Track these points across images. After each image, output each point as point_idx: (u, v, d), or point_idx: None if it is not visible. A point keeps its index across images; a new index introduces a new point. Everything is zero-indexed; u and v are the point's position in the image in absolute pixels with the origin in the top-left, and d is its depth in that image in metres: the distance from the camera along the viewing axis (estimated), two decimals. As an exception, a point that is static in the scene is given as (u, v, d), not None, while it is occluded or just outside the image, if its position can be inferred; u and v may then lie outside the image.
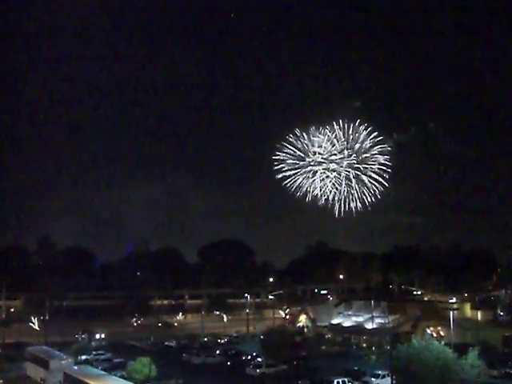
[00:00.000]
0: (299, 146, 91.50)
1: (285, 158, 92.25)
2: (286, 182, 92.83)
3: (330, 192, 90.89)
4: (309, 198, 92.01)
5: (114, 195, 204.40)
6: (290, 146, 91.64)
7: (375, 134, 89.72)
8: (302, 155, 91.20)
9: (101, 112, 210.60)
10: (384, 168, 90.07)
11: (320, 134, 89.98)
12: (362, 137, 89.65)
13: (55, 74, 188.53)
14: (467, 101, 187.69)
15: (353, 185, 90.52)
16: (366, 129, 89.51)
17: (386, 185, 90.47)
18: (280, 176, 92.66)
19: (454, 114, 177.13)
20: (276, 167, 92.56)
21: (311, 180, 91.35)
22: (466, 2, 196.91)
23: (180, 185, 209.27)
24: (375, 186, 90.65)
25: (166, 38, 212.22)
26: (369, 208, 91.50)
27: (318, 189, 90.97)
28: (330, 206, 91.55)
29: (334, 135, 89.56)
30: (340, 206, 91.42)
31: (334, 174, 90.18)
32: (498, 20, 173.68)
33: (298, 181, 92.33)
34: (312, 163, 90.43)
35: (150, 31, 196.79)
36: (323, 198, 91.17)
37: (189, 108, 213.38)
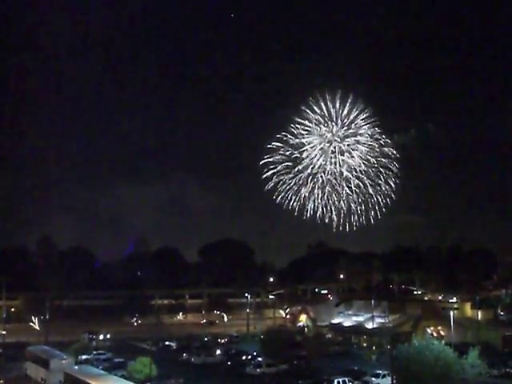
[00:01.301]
0: (296, 146, 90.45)
1: (280, 160, 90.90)
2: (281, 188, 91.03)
3: (329, 198, 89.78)
4: (307, 207, 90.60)
5: (114, 195, 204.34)
6: (287, 148, 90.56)
7: (376, 135, 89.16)
8: (299, 156, 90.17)
9: (101, 111, 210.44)
10: (386, 171, 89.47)
11: (320, 135, 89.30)
12: (363, 139, 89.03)
13: (56, 71, 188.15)
14: (468, 102, 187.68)
15: (352, 186, 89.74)
16: (367, 130, 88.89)
17: (387, 187, 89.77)
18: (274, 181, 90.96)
19: (455, 115, 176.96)
20: (270, 171, 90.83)
21: (308, 186, 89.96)
22: (466, 3, 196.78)
23: (180, 184, 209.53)
24: (377, 188, 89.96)
25: (164, 37, 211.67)
26: (371, 213, 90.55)
27: (317, 195, 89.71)
28: (329, 215, 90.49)
29: (333, 137, 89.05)
30: (340, 214, 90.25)
31: (334, 177, 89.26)
32: (500, 21, 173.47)
33: (294, 188, 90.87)
34: (311, 167, 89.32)
35: (149, 27, 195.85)
36: (322, 204, 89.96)
37: (189, 106, 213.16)
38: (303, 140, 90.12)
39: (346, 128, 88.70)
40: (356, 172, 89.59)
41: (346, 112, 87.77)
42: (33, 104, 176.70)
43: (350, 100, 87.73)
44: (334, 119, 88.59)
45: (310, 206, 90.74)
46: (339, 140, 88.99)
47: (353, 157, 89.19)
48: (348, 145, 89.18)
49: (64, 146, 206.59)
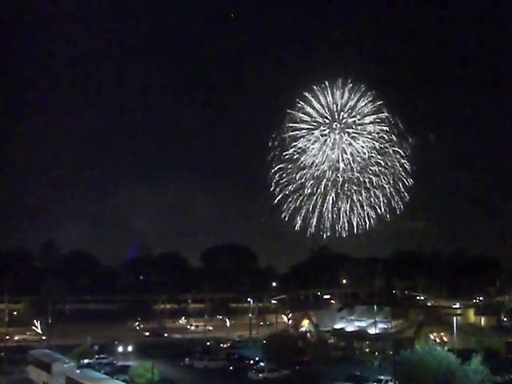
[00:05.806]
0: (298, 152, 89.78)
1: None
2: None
3: (333, 204, 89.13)
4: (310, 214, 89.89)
5: (117, 199, 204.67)
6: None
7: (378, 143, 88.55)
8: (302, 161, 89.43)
9: (104, 114, 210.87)
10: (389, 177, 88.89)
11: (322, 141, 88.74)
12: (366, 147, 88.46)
13: (59, 74, 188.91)
14: (469, 105, 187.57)
15: (355, 192, 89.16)
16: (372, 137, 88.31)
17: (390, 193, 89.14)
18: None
19: (457, 118, 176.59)
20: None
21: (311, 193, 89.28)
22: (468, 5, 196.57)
23: (184, 188, 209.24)
24: (380, 194, 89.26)
25: (164, 39, 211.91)
26: (374, 218, 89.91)
27: (320, 201, 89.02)
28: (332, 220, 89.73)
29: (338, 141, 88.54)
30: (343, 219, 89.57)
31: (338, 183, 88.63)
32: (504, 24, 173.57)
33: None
34: (314, 172, 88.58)
35: (148, 27, 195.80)
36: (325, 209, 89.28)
37: (192, 110, 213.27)
38: (306, 144, 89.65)
39: (351, 133, 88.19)
40: (359, 178, 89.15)
41: (350, 115, 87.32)
42: (38, 106, 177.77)
43: (354, 104, 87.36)
44: (339, 121, 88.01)
45: (313, 212, 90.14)
46: (344, 146, 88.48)
47: (356, 162, 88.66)
48: (351, 153, 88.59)
49: (68, 149, 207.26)
